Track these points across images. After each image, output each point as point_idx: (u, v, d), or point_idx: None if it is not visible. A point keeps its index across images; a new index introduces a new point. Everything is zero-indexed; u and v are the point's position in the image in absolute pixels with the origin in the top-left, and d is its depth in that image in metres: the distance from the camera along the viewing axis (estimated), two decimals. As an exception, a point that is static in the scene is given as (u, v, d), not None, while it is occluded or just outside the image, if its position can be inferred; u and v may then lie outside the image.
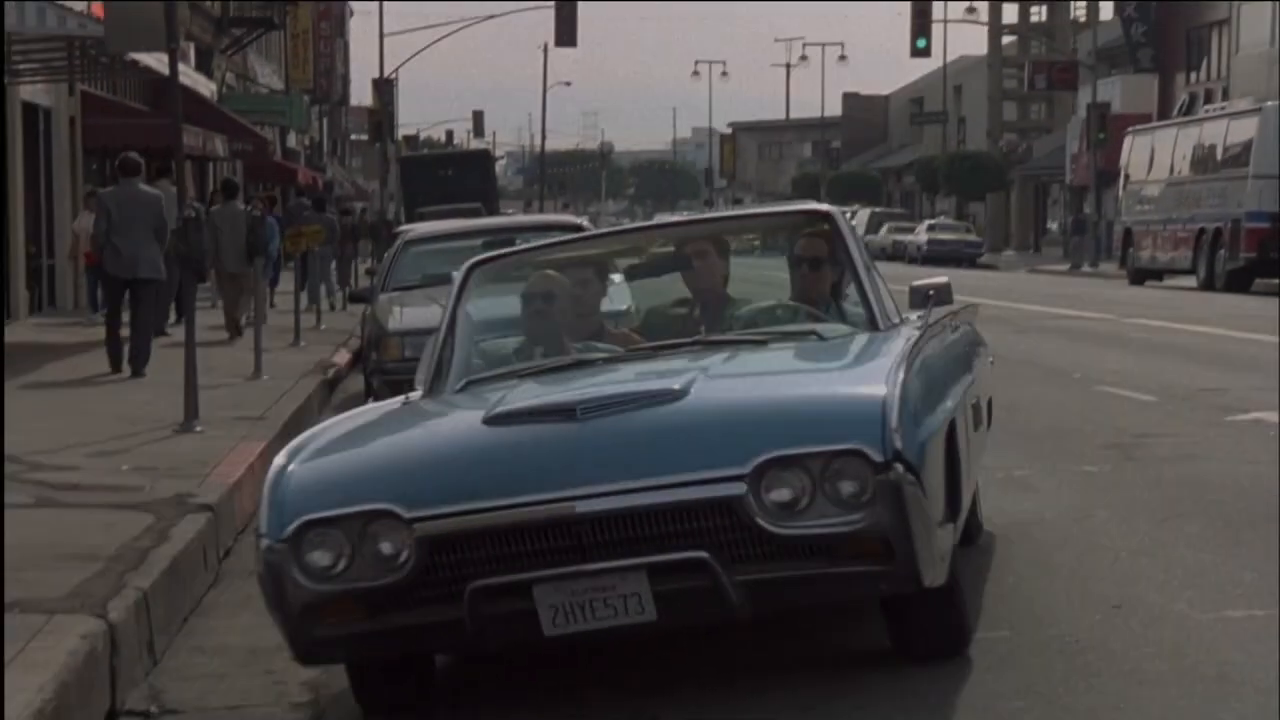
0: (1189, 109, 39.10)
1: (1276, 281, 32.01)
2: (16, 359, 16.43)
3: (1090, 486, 9.45)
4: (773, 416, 5.45)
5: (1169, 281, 36.81)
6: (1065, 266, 49.25)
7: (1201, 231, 34.55)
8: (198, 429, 11.60)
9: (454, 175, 46.60)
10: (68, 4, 19.02)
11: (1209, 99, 38.13)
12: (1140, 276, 37.70)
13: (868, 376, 5.69)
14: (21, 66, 22.54)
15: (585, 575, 5.25)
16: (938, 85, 75.39)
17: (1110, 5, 59.37)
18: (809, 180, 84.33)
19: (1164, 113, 41.33)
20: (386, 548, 5.31)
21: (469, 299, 6.85)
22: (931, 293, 6.90)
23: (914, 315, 6.86)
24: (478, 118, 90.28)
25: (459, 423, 5.94)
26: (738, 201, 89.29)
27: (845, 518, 5.22)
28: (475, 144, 79.37)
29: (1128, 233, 38.99)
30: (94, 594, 6.44)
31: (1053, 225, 66.86)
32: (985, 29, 72.30)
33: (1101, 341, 20.05)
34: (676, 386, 5.60)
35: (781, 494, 5.22)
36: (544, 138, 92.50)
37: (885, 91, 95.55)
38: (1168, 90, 52.80)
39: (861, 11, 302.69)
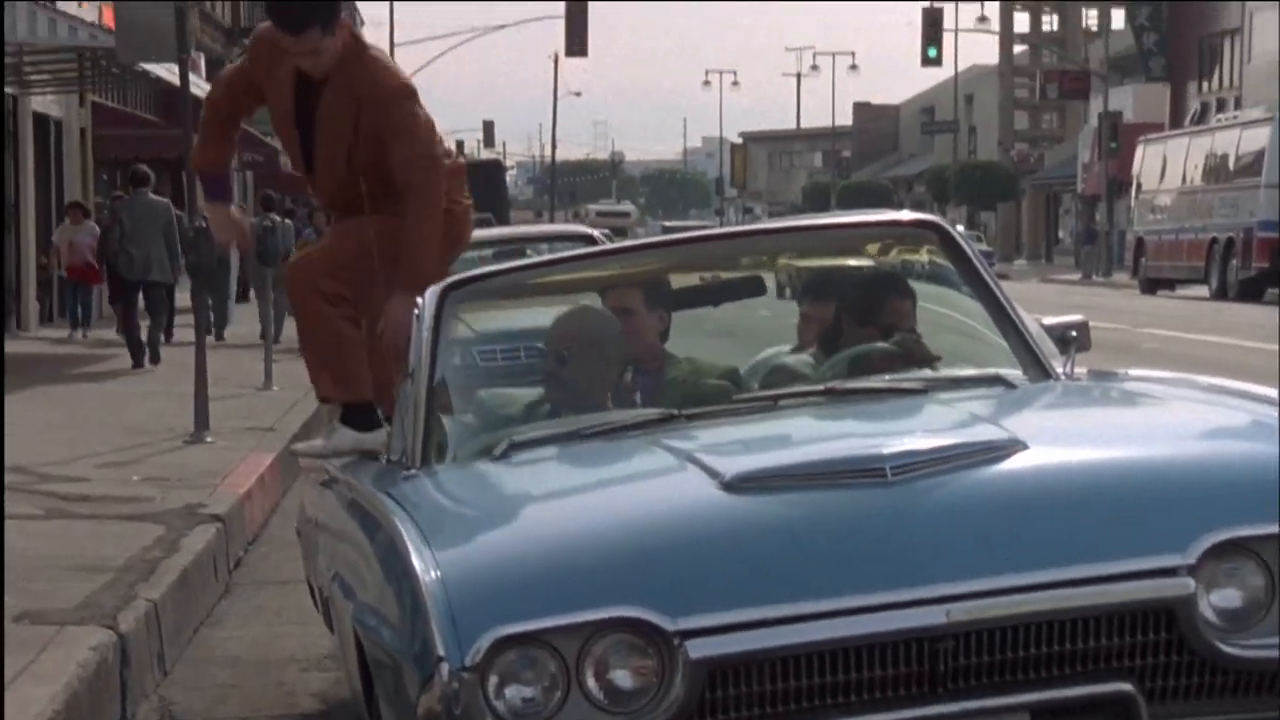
0: (1201, 118, 39.07)
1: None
2: (27, 369, 16.44)
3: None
4: (1202, 478, 3.76)
5: (1181, 291, 36.75)
6: (1077, 276, 49.23)
7: (1214, 241, 34.50)
8: (208, 439, 11.60)
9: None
10: (78, 14, 19.08)
11: (1221, 108, 38.13)
12: (1152, 286, 37.67)
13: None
14: (32, 77, 22.61)
15: None
16: (949, 94, 75.37)
17: (1122, 14, 59.34)
18: (820, 190, 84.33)
19: (1176, 122, 41.33)
20: (628, 677, 3.48)
21: (450, 333, 4.92)
22: (1074, 334, 5.09)
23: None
24: (488, 128, 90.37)
25: (678, 492, 3.94)
26: (748, 211, 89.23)
27: None
28: (485, 154, 79.38)
29: (1139, 242, 38.96)
30: (104, 605, 6.41)
31: (1064, 235, 66.83)
32: (996, 38, 72.35)
33: (1115, 351, 19.92)
34: (1007, 436, 3.90)
35: (1229, 595, 3.58)
36: (554, 147, 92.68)
37: (896, 101, 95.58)
38: (1180, 99, 52.74)
39: (873, 20, 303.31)
